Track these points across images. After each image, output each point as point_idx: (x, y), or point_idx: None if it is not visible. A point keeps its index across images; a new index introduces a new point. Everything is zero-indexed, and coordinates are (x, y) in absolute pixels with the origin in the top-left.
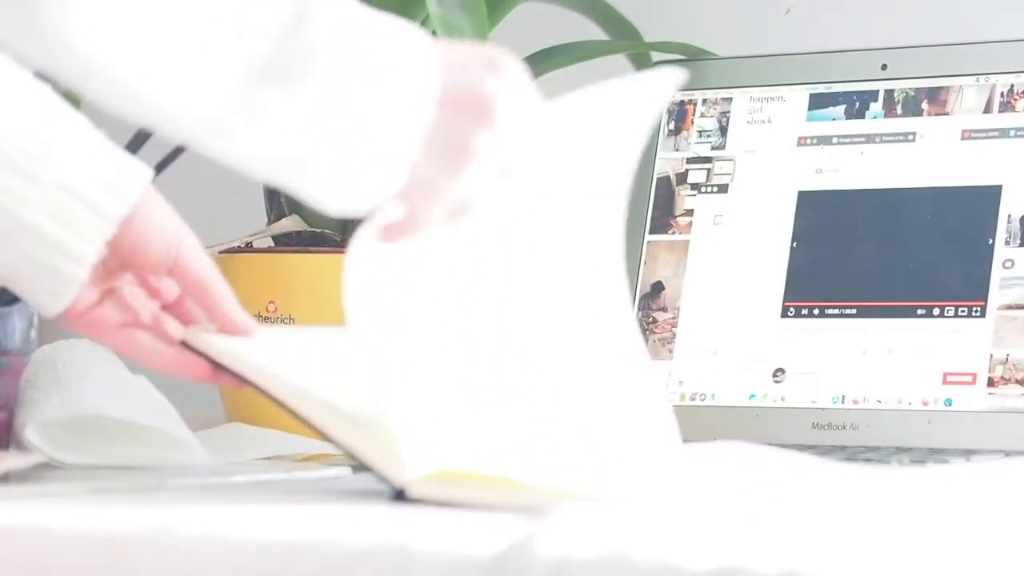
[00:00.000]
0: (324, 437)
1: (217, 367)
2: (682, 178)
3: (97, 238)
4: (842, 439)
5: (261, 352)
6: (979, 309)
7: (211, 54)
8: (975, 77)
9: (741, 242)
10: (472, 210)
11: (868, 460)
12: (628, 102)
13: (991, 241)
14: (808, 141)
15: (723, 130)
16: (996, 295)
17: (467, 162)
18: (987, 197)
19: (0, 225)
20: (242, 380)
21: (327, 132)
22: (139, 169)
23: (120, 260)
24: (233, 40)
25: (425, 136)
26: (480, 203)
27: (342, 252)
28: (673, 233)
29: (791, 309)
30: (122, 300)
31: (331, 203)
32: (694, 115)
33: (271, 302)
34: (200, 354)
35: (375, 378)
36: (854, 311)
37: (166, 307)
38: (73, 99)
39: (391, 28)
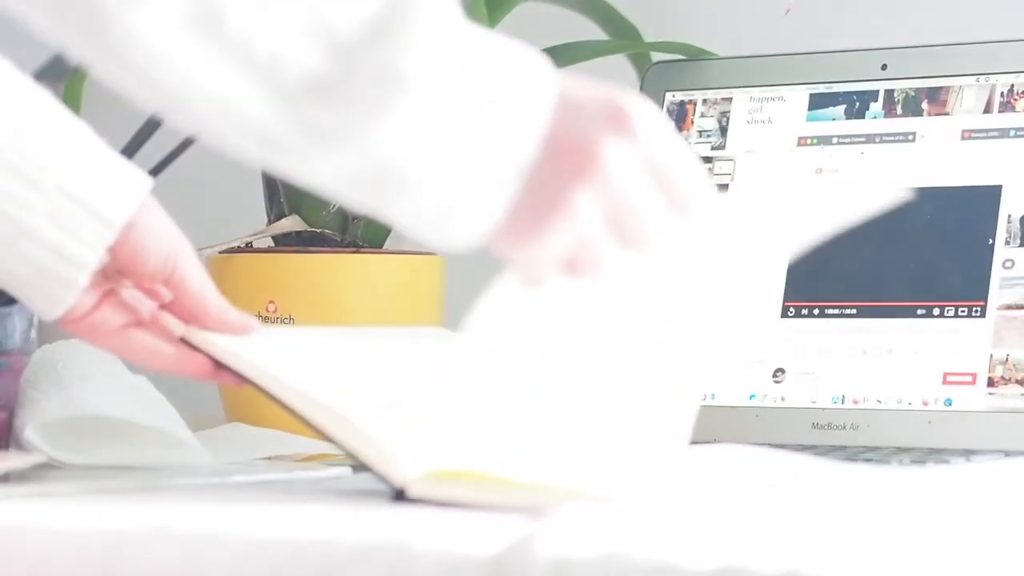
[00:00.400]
0: (324, 436)
1: (218, 365)
2: None
3: (98, 244)
4: (842, 439)
5: (262, 351)
6: (979, 309)
7: (254, 64)
8: (975, 77)
9: None
10: (583, 271)
11: (868, 460)
12: None
13: (991, 241)
14: (808, 141)
15: (723, 130)
16: (996, 295)
17: (559, 217)
18: (987, 197)
19: (2, 230)
20: (242, 378)
21: (409, 164)
22: (140, 177)
23: (118, 267)
24: (275, 50)
25: (520, 181)
26: (592, 266)
27: (342, 252)
28: None
29: (791, 309)
30: (120, 302)
31: (414, 234)
32: (694, 115)
33: (271, 302)
34: (201, 352)
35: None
36: (854, 311)
37: (164, 307)
38: (74, 105)
39: (505, 56)
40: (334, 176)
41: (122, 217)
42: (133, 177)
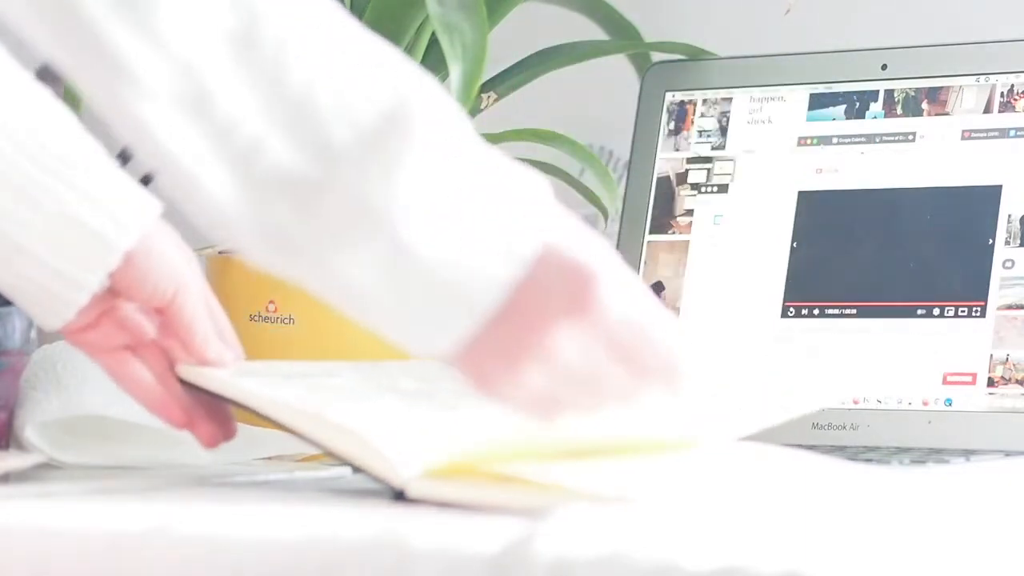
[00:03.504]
0: (327, 452)
1: (211, 398)
2: (682, 178)
3: (100, 268)
4: (842, 439)
5: (254, 378)
6: (979, 309)
7: (232, 148)
8: (975, 77)
9: (741, 242)
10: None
11: (868, 460)
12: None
13: (991, 241)
14: (808, 141)
15: (723, 130)
16: (996, 295)
17: (520, 368)
18: (987, 197)
19: (1, 249)
20: (239, 406)
21: (364, 292)
22: (147, 202)
23: (116, 288)
24: (258, 135)
25: (476, 326)
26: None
27: None
28: (673, 233)
29: (791, 309)
30: (120, 321)
31: (378, 332)
32: (694, 115)
33: (271, 302)
34: (193, 387)
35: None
36: (854, 311)
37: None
38: (74, 103)
39: (498, 201)
40: (282, 272)
41: (125, 243)
42: (141, 202)
